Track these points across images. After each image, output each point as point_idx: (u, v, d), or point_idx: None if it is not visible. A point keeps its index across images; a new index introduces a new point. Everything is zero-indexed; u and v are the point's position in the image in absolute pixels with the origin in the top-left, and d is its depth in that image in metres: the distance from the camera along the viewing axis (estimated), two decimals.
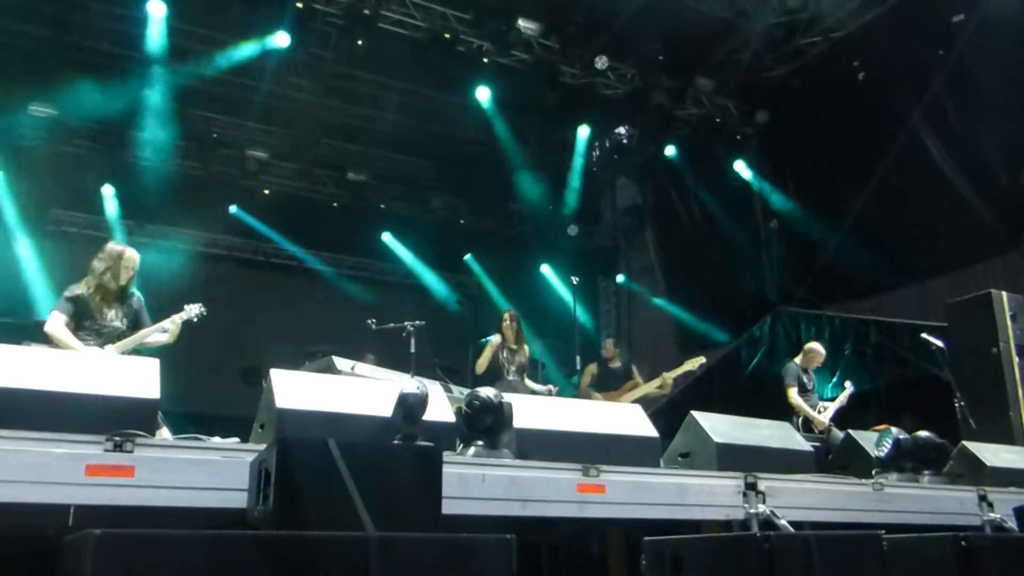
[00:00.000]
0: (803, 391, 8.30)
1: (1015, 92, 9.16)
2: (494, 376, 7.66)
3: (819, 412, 8.20)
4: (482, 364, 7.76)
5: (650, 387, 8.35)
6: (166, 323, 5.65)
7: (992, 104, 9.50)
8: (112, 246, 5.62)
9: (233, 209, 12.97)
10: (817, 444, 6.92)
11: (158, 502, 2.70)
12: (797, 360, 8.52)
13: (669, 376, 8.34)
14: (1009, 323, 8.13)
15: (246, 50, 10.75)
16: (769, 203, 12.73)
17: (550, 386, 7.82)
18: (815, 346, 8.59)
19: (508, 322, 7.91)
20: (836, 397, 8.51)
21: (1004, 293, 8.29)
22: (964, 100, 9.88)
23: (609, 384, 8.76)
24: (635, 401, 7.59)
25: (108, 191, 12.17)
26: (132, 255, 5.59)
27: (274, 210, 13.18)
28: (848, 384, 8.62)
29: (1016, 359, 8.02)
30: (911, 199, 10.29)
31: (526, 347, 8.01)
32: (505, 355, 7.79)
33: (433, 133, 13.32)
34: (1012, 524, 4.34)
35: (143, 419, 2.99)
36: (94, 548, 1.78)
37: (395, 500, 2.42)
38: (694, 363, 8.44)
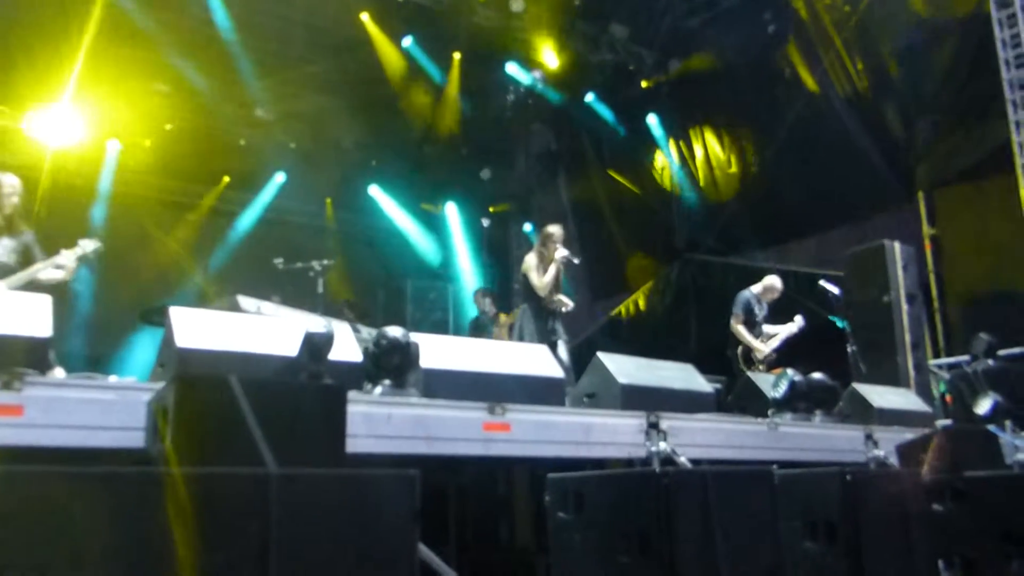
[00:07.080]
0: (751, 322, 8.10)
1: (915, 51, 9.47)
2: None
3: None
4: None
5: None
6: (60, 259, 5.43)
7: (893, 61, 9.82)
8: None
9: (116, 145, 12.27)
10: (719, 386, 7.07)
11: (49, 442, 2.59)
12: (755, 289, 8.23)
13: None
14: (900, 273, 8.53)
15: None
16: (679, 152, 12.92)
17: None
18: (775, 282, 8.27)
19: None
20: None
21: (897, 244, 8.67)
22: (867, 57, 10.16)
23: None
24: None
25: None
26: (5, 180, 5.34)
27: (177, 146, 12.65)
28: (798, 318, 8.25)
29: (905, 307, 8.43)
30: (815, 153, 10.58)
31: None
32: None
33: (347, 72, 12.94)
34: (893, 460, 4.61)
35: (34, 357, 2.85)
36: None
37: (298, 438, 2.39)
38: None
